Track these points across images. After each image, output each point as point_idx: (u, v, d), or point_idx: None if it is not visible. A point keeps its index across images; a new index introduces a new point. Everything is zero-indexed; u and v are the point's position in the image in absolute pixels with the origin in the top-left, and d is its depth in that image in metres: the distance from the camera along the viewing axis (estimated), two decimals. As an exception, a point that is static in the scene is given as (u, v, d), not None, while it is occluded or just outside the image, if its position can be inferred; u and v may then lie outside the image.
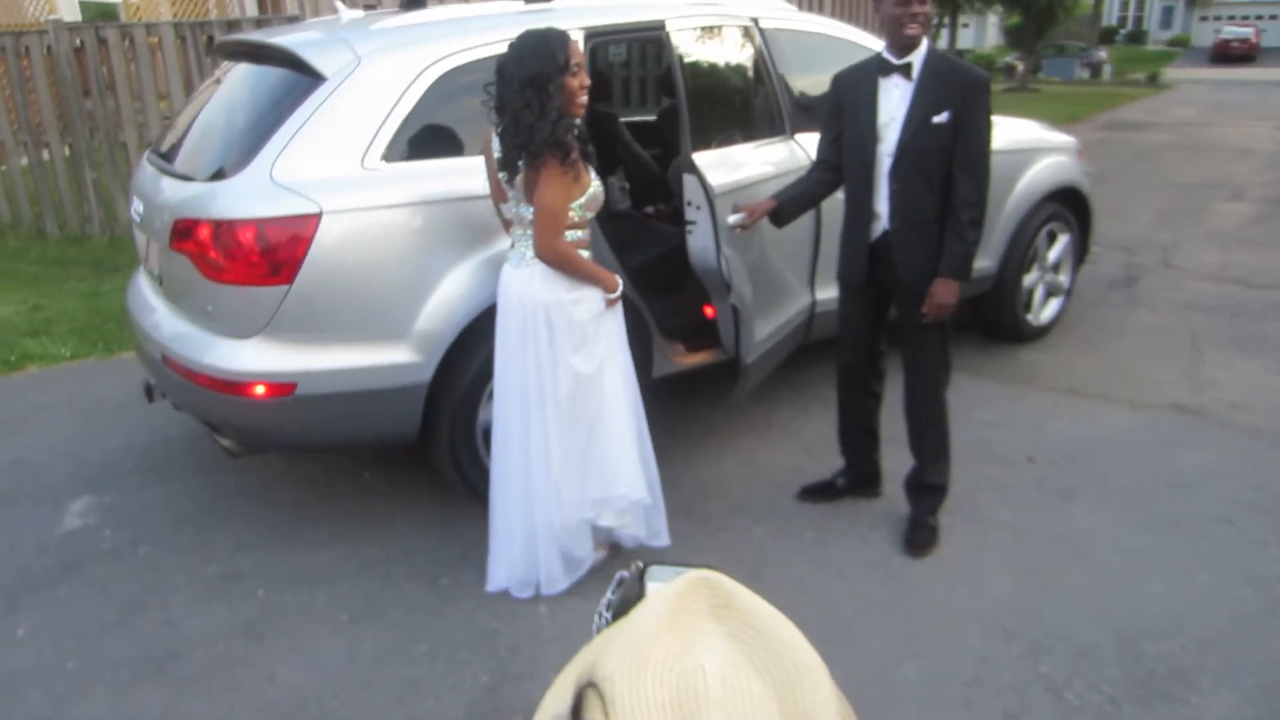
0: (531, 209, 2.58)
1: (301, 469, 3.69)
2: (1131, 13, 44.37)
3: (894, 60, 2.82)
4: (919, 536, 3.07)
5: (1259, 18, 40.44)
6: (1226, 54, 34.59)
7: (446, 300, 2.96)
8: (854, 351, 3.19)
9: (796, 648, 0.63)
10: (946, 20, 26.22)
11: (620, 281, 2.75)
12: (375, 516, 3.32)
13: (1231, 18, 40.54)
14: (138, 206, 3.35)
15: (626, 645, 0.61)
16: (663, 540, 2.99)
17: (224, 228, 2.75)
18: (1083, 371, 4.52)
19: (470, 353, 3.02)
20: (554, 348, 2.65)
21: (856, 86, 2.91)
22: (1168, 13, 43.70)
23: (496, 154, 2.64)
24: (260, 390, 2.85)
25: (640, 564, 0.83)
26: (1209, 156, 11.71)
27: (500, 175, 2.65)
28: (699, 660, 0.60)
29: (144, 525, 3.30)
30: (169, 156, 3.30)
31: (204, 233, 2.79)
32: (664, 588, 0.67)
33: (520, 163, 2.53)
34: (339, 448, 3.53)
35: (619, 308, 2.78)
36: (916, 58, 2.80)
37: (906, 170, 2.83)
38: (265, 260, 2.74)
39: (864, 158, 2.89)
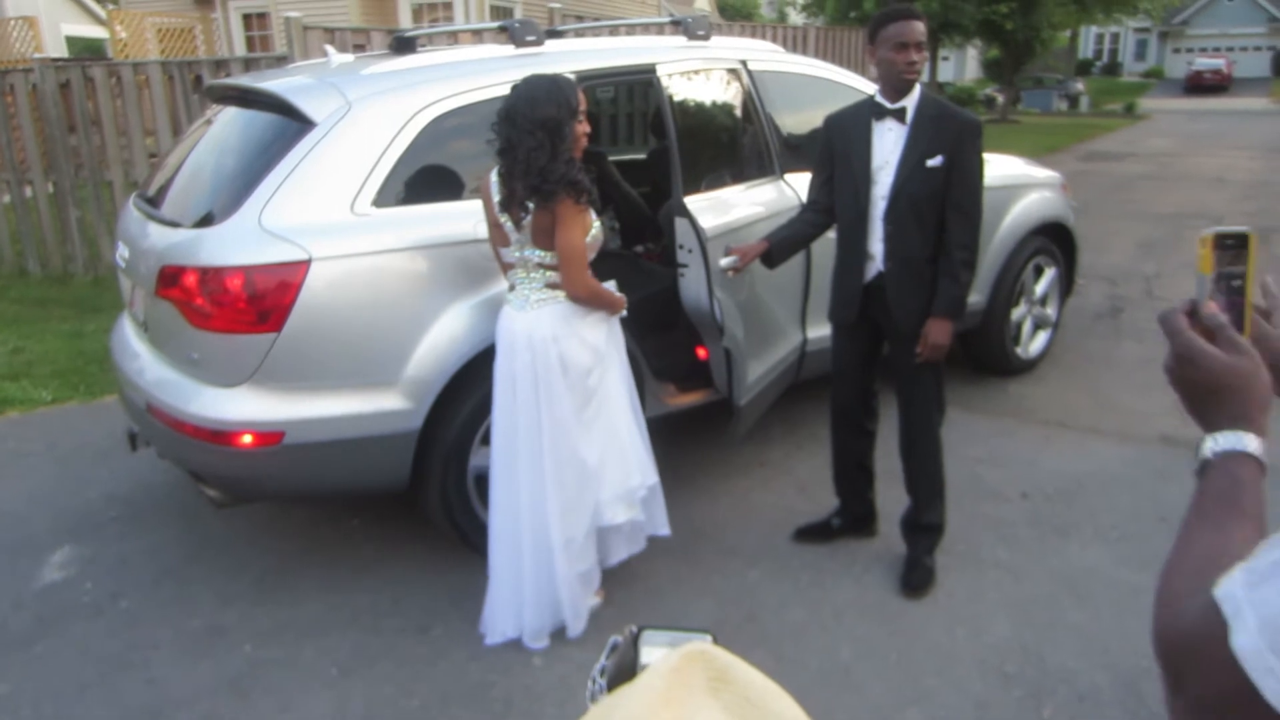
0: (538, 252, 2.61)
1: (289, 518, 3.63)
2: (1106, 45, 45.18)
3: (888, 104, 2.84)
4: (916, 577, 3.04)
5: (1230, 49, 41.24)
6: (1200, 85, 35.26)
7: (437, 346, 2.93)
8: (847, 390, 3.18)
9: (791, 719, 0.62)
10: (926, 53, 26.67)
11: (624, 299, 2.86)
12: (364, 565, 3.26)
13: (1204, 50, 41.34)
14: (123, 252, 3.31)
15: None
16: (664, 530, 3.00)
17: (211, 275, 2.72)
18: (1072, 404, 4.53)
19: (461, 398, 2.99)
20: (568, 380, 2.67)
21: (850, 129, 2.92)
22: (1142, 45, 44.51)
23: (496, 197, 2.64)
24: (247, 439, 2.80)
25: (634, 629, 0.82)
26: (1186, 186, 11.88)
27: (501, 218, 2.64)
28: None
29: (126, 577, 3.23)
30: (155, 201, 3.27)
31: (190, 280, 2.76)
32: (659, 663, 0.66)
33: (530, 204, 2.54)
34: (327, 496, 3.48)
35: (612, 343, 2.84)
36: (910, 102, 2.82)
37: (901, 213, 2.84)
38: (253, 308, 2.71)
39: (858, 200, 2.90)
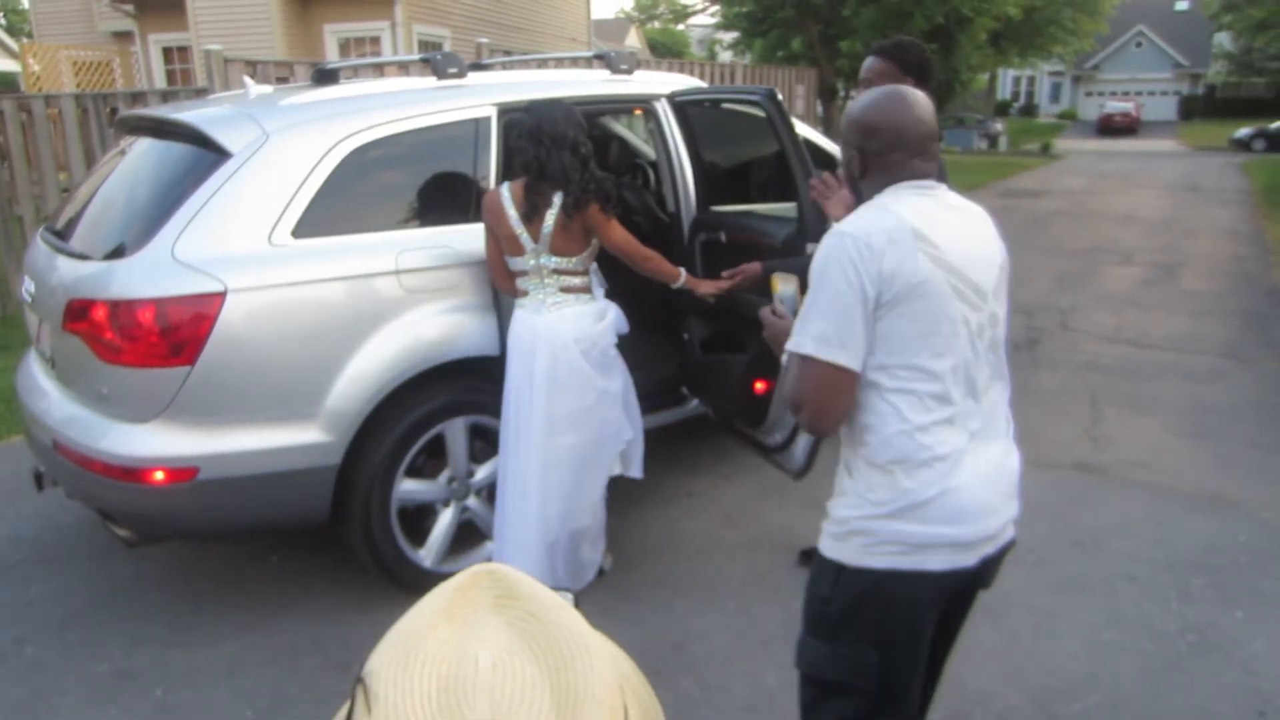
0: (554, 258, 2.87)
1: (204, 556, 3.52)
2: (1024, 88, 47.13)
3: None
4: None
5: (1139, 93, 43.40)
6: (1111, 127, 36.91)
7: (359, 377, 2.89)
8: None
9: (574, 631, 0.64)
10: (853, 92, 27.47)
11: (683, 273, 3.21)
12: (283, 603, 3.18)
13: (1114, 93, 43.39)
14: (29, 286, 3.21)
15: (397, 639, 0.62)
16: (638, 473, 3.23)
17: (122, 308, 2.65)
18: (991, 432, 4.65)
19: (384, 430, 2.96)
20: (588, 376, 2.93)
21: None
22: (1056, 88, 46.54)
23: (510, 211, 2.84)
24: (159, 476, 2.72)
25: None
26: (1098, 223, 12.40)
27: (517, 230, 2.84)
28: (473, 649, 0.60)
29: (31, 622, 3.09)
30: (64, 234, 3.18)
31: (100, 313, 2.69)
32: (446, 582, 0.67)
33: (554, 213, 2.81)
34: (244, 533, 3.39)
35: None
36: None
37: None
38: (165, 340, 2.65)
39: None
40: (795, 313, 1.72)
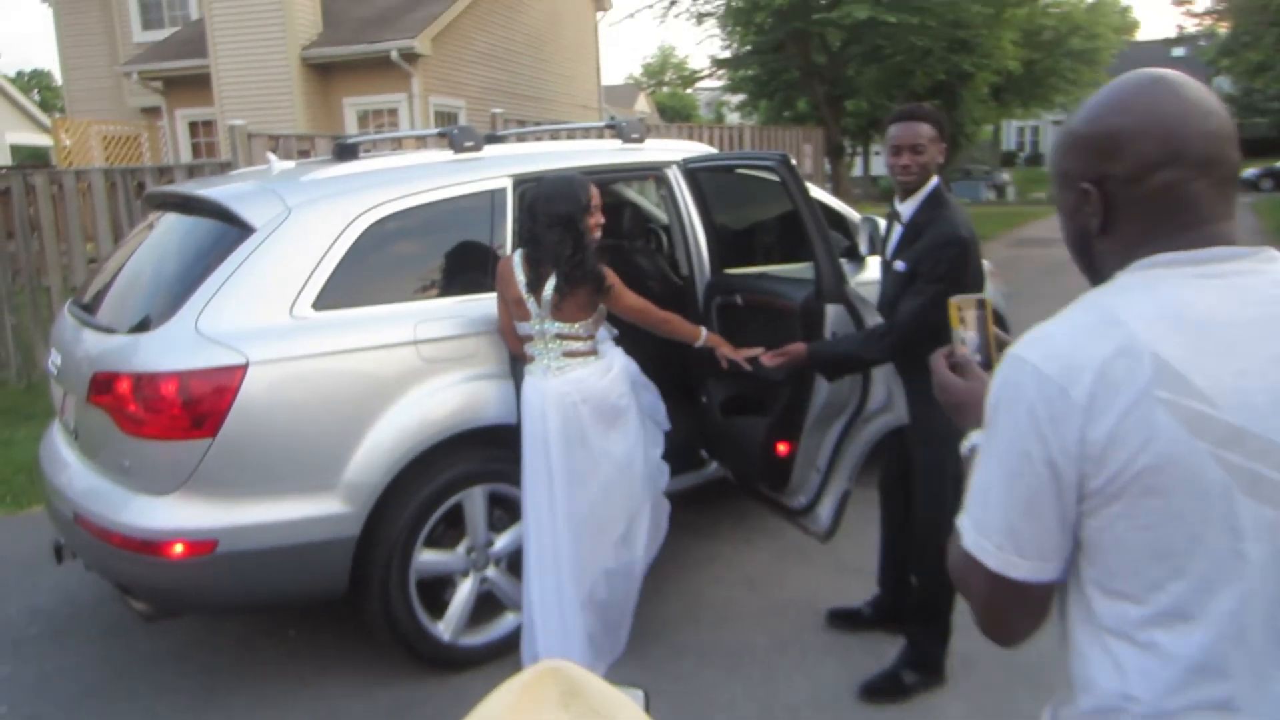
0: (557, 324, 2.90)
1: (221, 630, 3.49)
2: (1028, 138, 47.52)
3: (895, 206, 2.90)
4: (881, 684, 2.93)
5: (1141, 141, 43.69)
6: (1116, 175, 37.08)
7: (378, 448, 2.90)
8: (888, 487, 3.14)
9: None
10: (859, 149, 27.83)
11: (703, 331, 3.24)
12: (302, 679, 3.14)
13: (1118, 142, 43.71)
14: (55, 359, 3.25)
15: None
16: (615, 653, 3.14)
17: (145, 380, 2.68)
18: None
19: (403, 501, 2.95)
20: (603, 433, 2.95)
21: (887, 225, 3.01)
22: (1061, 139, 46.99)
23: (519, 276, 2.90)
24: (179, 549, 2.71)
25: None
26: (1113, 274, 12.36)
27: (525, 296, 2.90)
28: None
29: (46, 698, 3.06)
30: (91, 308, 3.23)
31: (124, 386, 2.72)
32: (513, 679, 0.69)
33: (551, 283, 2.84)
34: (262, 606, 3.37)
35: (631, 392, 3.06)
36: (909, 206, 2.80)
37: (887, 307, 2.89)
38: (187, 413, 2.67)
39: (881, 289, 2.99)
40: (989, 364, 1.26)
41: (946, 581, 2.89)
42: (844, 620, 3.31)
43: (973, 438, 1.16)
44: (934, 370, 1.29)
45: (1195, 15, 22.43)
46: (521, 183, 3.37)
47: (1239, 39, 21.05)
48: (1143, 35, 46.60)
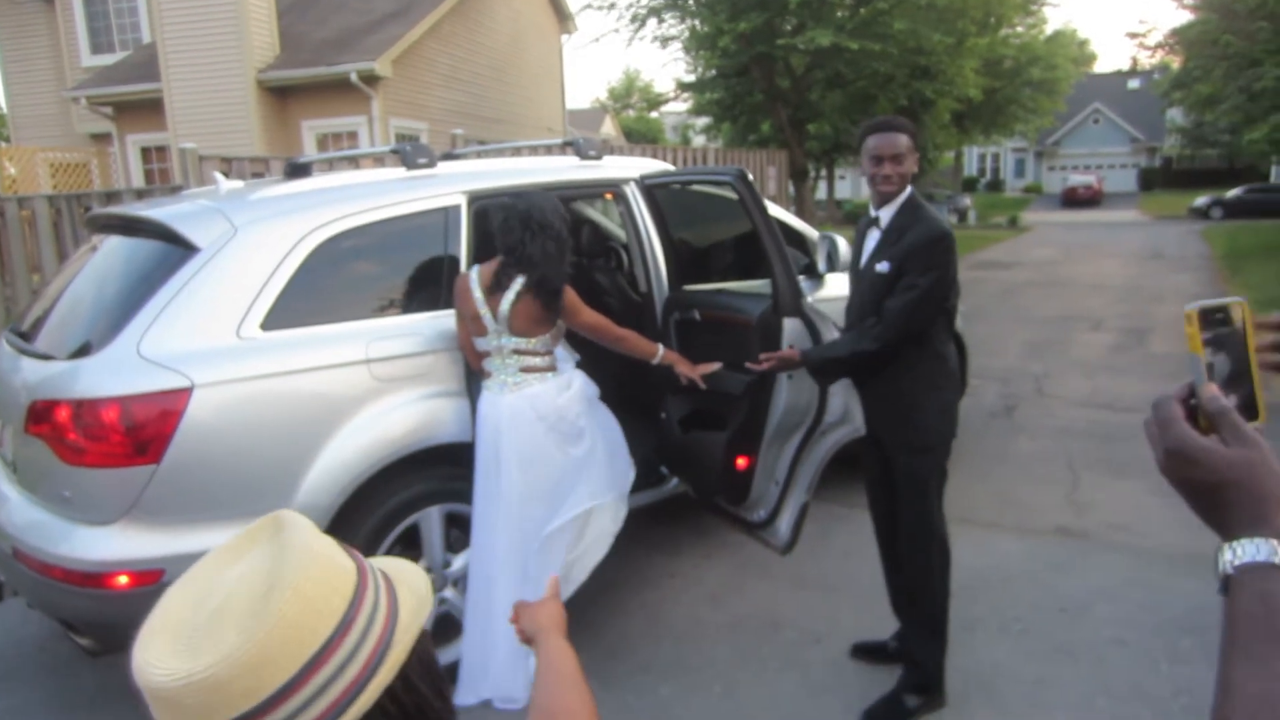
0: (514, 339, 2.93)
1: (172, 660, 3.40)
2: (989, 164, 48.49)
3: (872, 212, 2.91)
4: (885, 709, 2.90)
5: (1099, 166, 44.76)
6: (1075, 199, 37.91)
7: (330, 469, 2.85)
8: (876, 503, 3.10)
9: (313, 541, 0.78)
10: (824, 172, 28.16)
11: (660, 348, 3.26)
12: (252, 708, 3.06)
13: (1076, 167, 44.71)
14: (-8, 389, 3.16)
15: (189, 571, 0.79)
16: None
17: (85, 407, 2.61)
18: (973, 500, 4.63)
19: (357, 523, 2.90)
20: (559, 449, 2.95)
21: (859, 234, 3.00)
22: (1020, 163, 47.90)
23: (476, 293, 2.92)
24: (123, 580, 2.64)
25: None
26: (1067, 291, 12.62)
27: (482, 310, 2.92)
28: (232, 567, 0.77)
29: (-15, 739, 2.96)
30: (29, 335, 3.15)
31: (63, 414, 2.64)
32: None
33: (516, 291, 2.88)
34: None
35: (589, 412, 3.07)
36: (888, 211, 2.83)
37: (854, 317, 2.91)
38: (130, 439, 2.60)
39: (851, 299, 2.99)
40: (1251, 409, 0.78)
41: (940, 586, 2.83)
42: (870, 654, 3.22)
43: (1241, 551, 0.68)
44: (1167, 425, 0.76)
45: (1149, 48, 23.10)
46: (476, 199, 3.35)
47: (1191, 73, 21.75)
48: (1100, 67, 48.08)
